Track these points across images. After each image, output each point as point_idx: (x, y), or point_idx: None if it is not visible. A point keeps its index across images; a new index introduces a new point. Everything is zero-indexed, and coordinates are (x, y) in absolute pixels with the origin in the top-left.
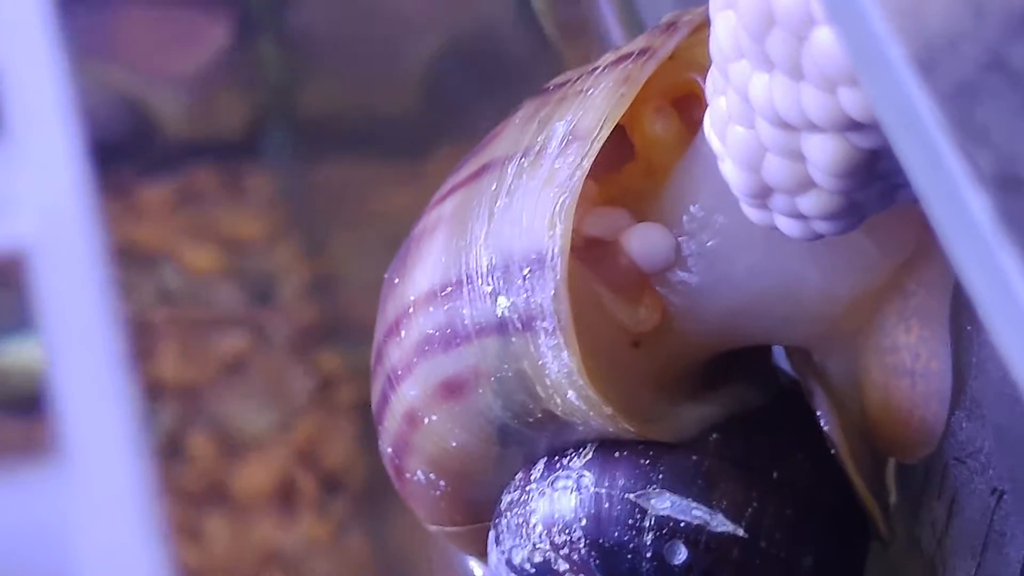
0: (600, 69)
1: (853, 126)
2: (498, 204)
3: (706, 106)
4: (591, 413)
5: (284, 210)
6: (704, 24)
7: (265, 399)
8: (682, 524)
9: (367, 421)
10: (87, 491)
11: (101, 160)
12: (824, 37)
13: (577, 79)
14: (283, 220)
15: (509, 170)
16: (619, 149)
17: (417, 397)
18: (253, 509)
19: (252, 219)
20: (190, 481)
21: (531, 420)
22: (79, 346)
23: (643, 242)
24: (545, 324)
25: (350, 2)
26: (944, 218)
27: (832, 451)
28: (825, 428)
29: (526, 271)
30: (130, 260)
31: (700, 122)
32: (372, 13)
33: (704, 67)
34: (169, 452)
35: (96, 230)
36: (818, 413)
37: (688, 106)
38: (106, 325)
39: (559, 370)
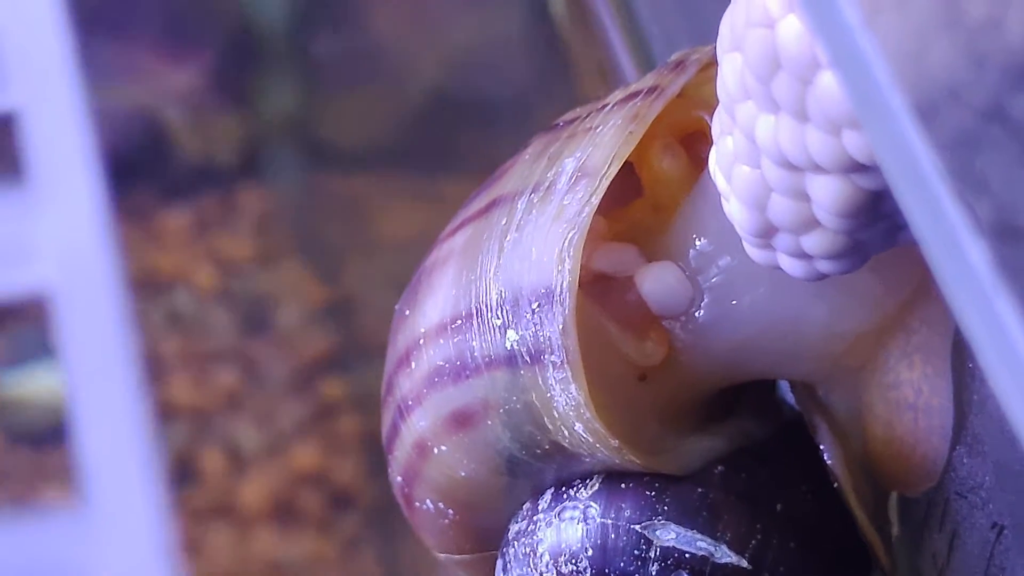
0: (609, 106)
1: (857, 168)
2: (508, 239)
3: (713, 144)
4: (598, 445)
5: (292, 234)
6: (712, 62)
7: (270, 423)
8: (687, 555)
9: (374, 443)
10: (105, 520)
11: (120, 182)
12: (829, 81)
13: (587, 116)
14: (291, 244)
15: (519, 205)
16: (627, 185)
17: (427, 428)
18: (257, 525)
19: (261, 244)
20: (199, 498)
21: (539, 451)
22: (99, 383)
23: (656, 285)
24: (553, 358)
25: (360, 25)
26: (943, 266)
27: (835, 484)
28: (828, 462)
29: (535, 305)
30: (147, 287)
31: (707, 160)
32: (382, 33)
33: (712, 105)
34: (179, 471)
35: (116, 272)
36: (821, 447)
37: (696, 143)
38: (124, 364)
39: (567, 403)
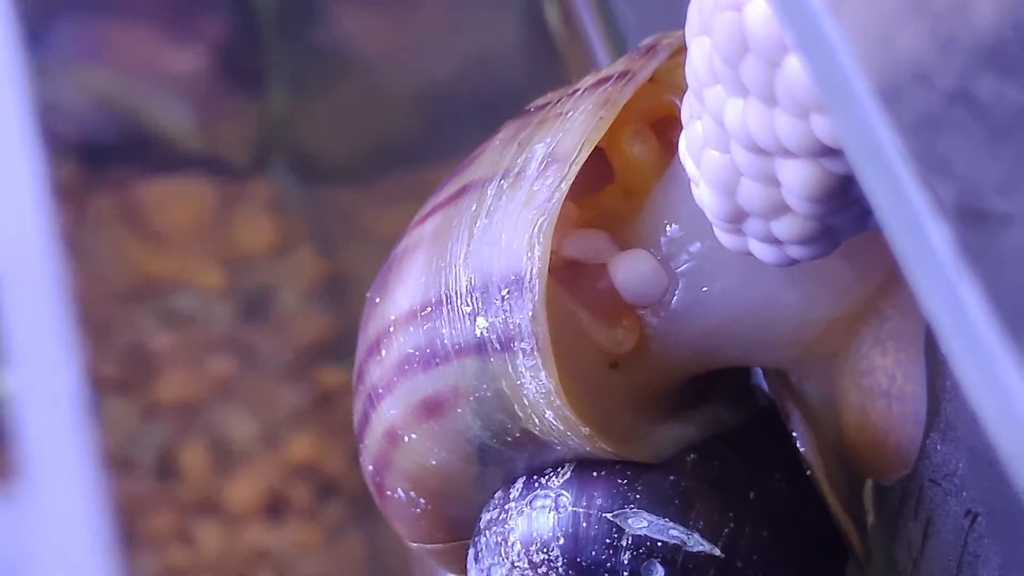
0: (580, 92)
1: (826, 152)
2: (478, 225)
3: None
4: (568, 433)
5: (292, 227)
6: (684, 47)
7: (266, 411)
8: (659, 544)
9: None
10: (43, 508)
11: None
12: (796, 64)
13: (557, 101)
14: (291, 236)
15: (489, 191)
16: (598, 171)
17: (397, 416)
18: (244, 515)
19: (259, 235)
20: (184, 493)
21: (510, 439)
22: (44, 378)
23: (629, 273)
24: (523, 345)
25: (359, 22)
26: (906, 249)
27: (808, 472)
28: (801, 449)
29: (504, 292)
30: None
31: (678, 145)
32: (379, 34)
33: (684, 90)
34: (164, 467)
35: (60, 257)
36: (794, 434)
37: (667, 129)
38: (71, 357)
39: (537, 390)
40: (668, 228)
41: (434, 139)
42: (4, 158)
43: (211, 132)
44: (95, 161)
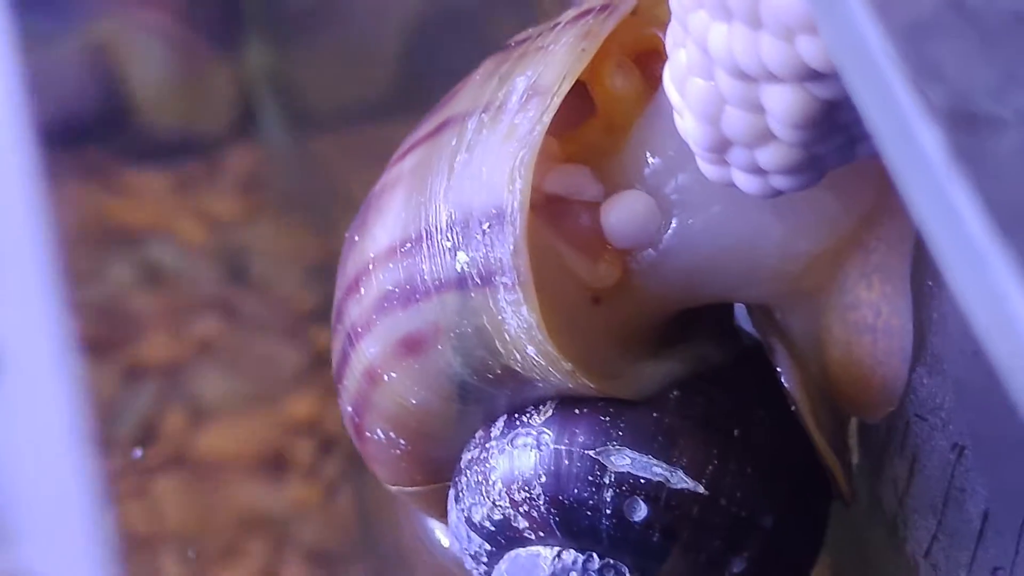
0: (561, 25)
1: (812, 75)
2: (458, 159)
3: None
4: (550, 369)
5: (276, 190)
6: None
7: (255, 374)
8: (642, 481)
9: None
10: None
11: (83, 139)
12: None
13: (538, 35)
14: (275, 201)
15: (469, 125)
16: (580, 105)
17: (377, 355)
18: (230, 475)
19: (243, 199)
20: (162, 455)
21: (491, 376)
22: (27, 336)
23: (624, 214)
24: (504, 279)
25: None
26: (897, 154)
27: (793, 408)
28: (786, 385)
29: (486, 226)
30: (113, 239)
31: (661, 78)
32: None
33: (666, 23)
34: (149, 430)
35: (46, 217)
36: (779, 370)
37: (649, 62)
38: (54, 311)
39: (518, 325)
40: (651, 162)
41: (414, 91)
42: None
43: (190, 91)
44: (74, 142)
